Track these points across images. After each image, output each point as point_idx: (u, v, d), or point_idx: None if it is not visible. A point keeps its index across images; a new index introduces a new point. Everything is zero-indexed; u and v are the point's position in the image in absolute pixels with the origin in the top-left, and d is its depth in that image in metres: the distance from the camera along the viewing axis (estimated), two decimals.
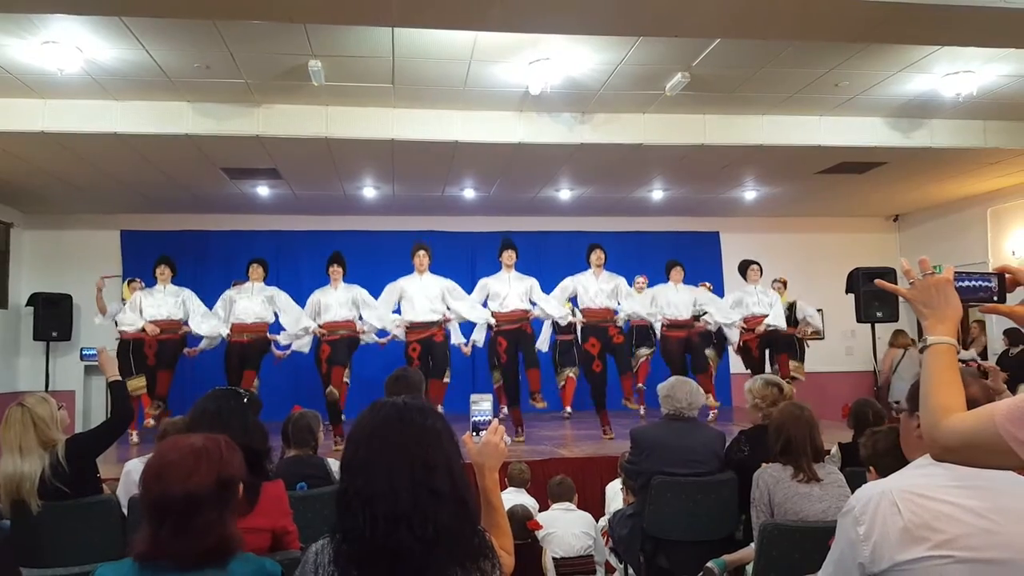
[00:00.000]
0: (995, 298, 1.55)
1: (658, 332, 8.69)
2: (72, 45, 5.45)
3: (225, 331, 7.61)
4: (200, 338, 7.88)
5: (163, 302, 7.86)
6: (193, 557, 1.67)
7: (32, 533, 3.30)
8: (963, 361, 8.44)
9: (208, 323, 7.68)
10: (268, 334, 7.73)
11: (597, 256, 7.63)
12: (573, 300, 7.84)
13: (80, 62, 5.66)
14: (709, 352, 8.62)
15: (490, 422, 1.91)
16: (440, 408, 7.79)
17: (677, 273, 8.43)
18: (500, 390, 7.85)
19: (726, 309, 8.40)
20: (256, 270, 7.80)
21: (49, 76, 5.82)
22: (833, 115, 7.40)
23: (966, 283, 1.51)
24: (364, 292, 7.48)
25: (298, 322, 7.41)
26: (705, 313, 8.30)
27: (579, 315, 7.61)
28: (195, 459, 1.73)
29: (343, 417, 7.57)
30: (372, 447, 1.56)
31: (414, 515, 1.47)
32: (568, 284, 7.66)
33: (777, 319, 8.33)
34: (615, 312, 7.63)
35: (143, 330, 7.67)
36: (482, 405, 1.97)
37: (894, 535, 1.56)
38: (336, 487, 3.72)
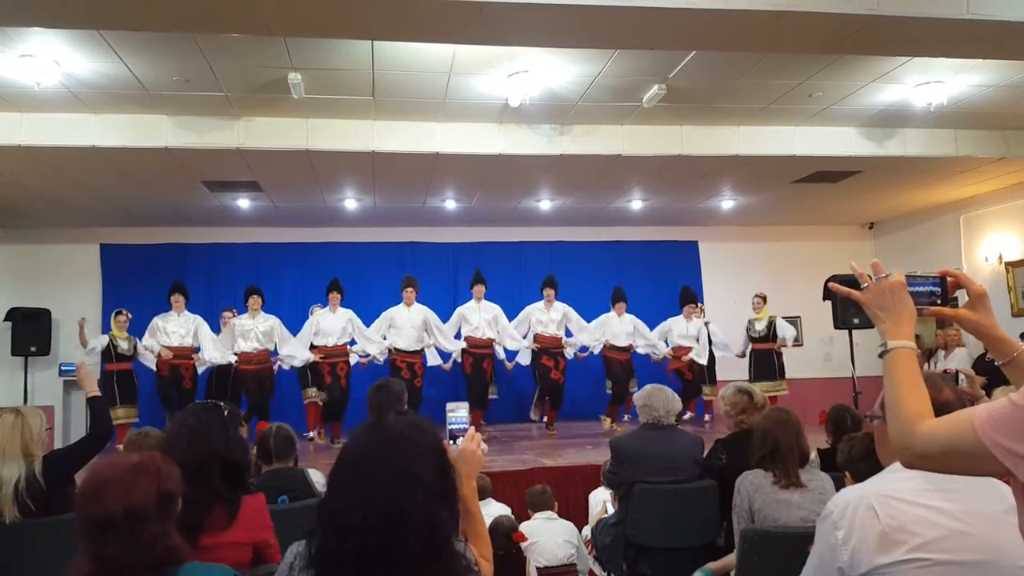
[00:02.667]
0: (939, 301, 1.55)
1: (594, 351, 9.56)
2: (50, 58, 5.42)
3: (233, 359, 8.25)
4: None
5: (178, 330, 8.37)
6: (141, 571, 1.66)
7: (4, 548, 3.25)
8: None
9: (219, 352, 8.27)
10: (271, 358, 8.34)
11: (548, 293, 8.87)
12: None
13: (58, 75, 5.63)
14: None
15: (467, 430, 1.92)
16: None
17: (620, 307, 9.38)
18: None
19: (654, 344, 9.46)
20: (255, 301, 8.28)
21: (26, 89, 5.78)
22: (808, 125, 7.50)
23: (916, 288, 1.52)
24: (357, 320, 8.31)
25: (298, 353, 8.18)
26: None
27: (531, 341, 8.82)
28: (133, 474, 1.72)
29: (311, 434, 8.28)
30: (358, 472, 1.54)
31: (381, 558, 1.47)
32: (527, 314, 8.95)
33: (699, 355, 9.29)
34: (562, 339, 8.88)
35: (159, 355, 8.21)
36: (458, 413, 1.98)
37: (872, 539, 1.58)
38: (317, 500, 3.70)
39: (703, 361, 9.35)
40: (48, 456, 3.47)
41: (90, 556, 1.66)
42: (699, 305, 9.87)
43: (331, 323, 8.27)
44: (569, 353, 8.98)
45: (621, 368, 9.27)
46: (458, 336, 8.71)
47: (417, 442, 1.58)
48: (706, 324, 9.63)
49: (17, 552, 3.26)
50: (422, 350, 8.44)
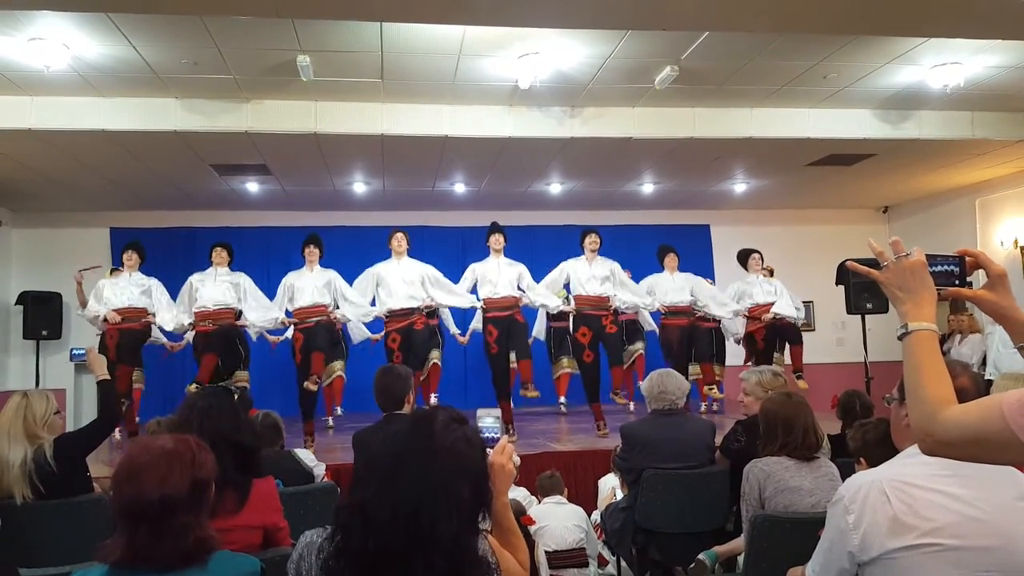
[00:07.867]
0: (957, 282, 1.50)
1: (649, 324, 8.71)
2: (59, 42, 5.40)
3: (188, 320, 7.20)
4: (171, 334, 7.68)
5: (126, 290, 7.50)
6: (172, 560, 1.66)
7: (19, 531, 3.29)
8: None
9: (170, 315, 7.29)
10: (236, 321, 7.20)
11: (591, 240, 7.34)
12: (567, 287, 7.55)
13: (67, 59, 5.62)
14: (635, 346, 8.71)
15: (498, 439, 1.81)
16: (434, 397, 7.79)
17: (671, 260, 8.17)
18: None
19: (723, 301, 8.19)
20: (220, 254, 7.46)
21: (36, 73, 5.77)
22: (822, 107, 7.40)
23: (934, 268, 1.47)
24: (341, 280, 7.11)
25: (267, 312, 7.12)
26: (705, 305, 8.16)
27: (572, 303, 7.30)
28: (168, 462, 1.71)
29: (339, 411, 7.54)
30: (395, 469, 1.50)
31: (402, 560, 1.44)
32: (562, 271, 7.40)
33: (784, 307, 8.06)
34: (609, 299, 7.26)
35: (105, 319, 7.32)
36: (487, 421, 1.89)
37: (883, 524, 1.57)
38: (316, 484, 3.73)
39: (790, 313, 7.97)
40: (59, 439, 3.51)
41: (123, 542, 1.66)
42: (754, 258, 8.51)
43: (306, 282, 6.98)
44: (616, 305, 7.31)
45: (681, 339, 7.88)
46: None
47: (463, 456, 1.53)
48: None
49: (29, 532, 3.32)
50: (421, 310, 6.92)
